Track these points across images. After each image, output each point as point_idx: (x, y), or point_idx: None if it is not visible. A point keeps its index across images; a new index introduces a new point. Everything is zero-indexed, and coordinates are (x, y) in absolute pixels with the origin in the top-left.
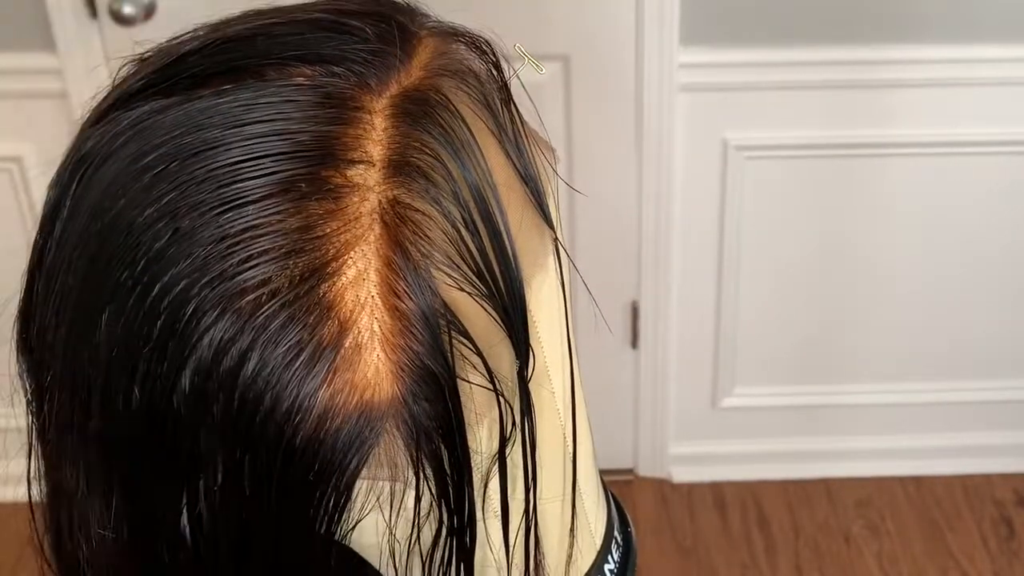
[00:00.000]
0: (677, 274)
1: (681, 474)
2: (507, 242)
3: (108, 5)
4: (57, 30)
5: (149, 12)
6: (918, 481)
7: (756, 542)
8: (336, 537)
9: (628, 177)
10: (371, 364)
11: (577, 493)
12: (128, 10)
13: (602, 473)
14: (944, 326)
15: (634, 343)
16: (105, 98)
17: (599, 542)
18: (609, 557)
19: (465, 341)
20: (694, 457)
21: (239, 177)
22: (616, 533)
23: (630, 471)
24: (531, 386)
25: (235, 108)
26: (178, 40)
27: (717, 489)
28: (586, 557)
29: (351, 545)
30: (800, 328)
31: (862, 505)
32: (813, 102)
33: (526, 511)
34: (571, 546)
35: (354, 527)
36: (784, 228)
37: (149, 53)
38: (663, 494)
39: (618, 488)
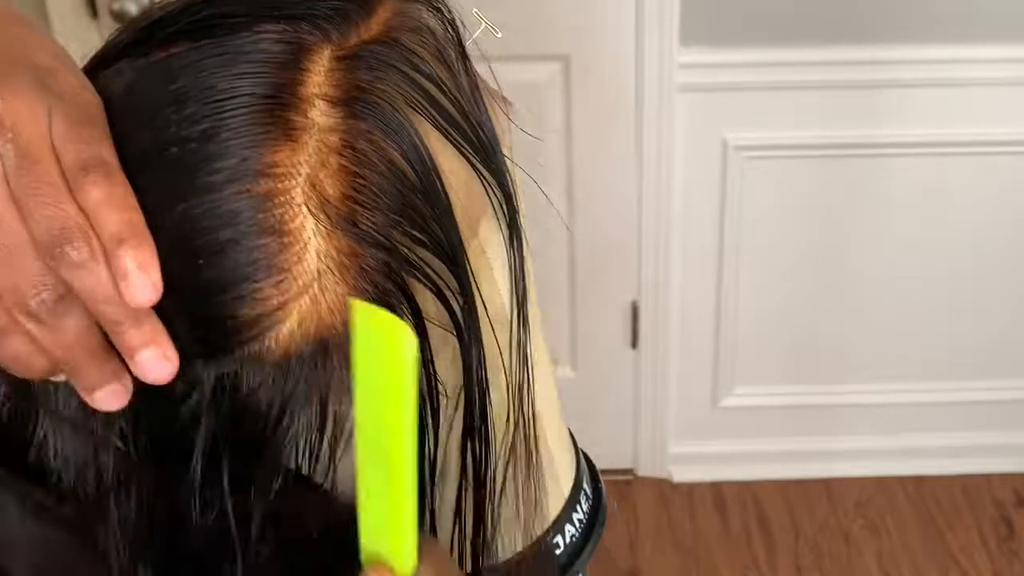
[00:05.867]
0: (677, 274)
1: (681, 474)
2: (444, 194)
3: (108, 5)
4: (57, 30)
5: None
6: (918, 481)
7: (756, 542)
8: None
9: (628, 177)
10: (331, 291)
11: (543, 444)
12: (128, 10)
13: (602, 473)
14: (944, 326)
15: (634, 343)
16: (92, 58)
17: (567, 492)
18: (578, 507)
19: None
20: (694, 457)
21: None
22: (585, 486)
23: (630, 471)
24: (486, 327)
25: (203, 62)
26: (160, 2)
27: (717, 489)
28: (552, 505)
29: None
30: (800, 328)
31: (862, 505)
32: (813, 102)
33: (484, 455)
34: (536, 489)
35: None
36: (784, 228)
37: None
38: (663, 494)
39: (618, 488)
